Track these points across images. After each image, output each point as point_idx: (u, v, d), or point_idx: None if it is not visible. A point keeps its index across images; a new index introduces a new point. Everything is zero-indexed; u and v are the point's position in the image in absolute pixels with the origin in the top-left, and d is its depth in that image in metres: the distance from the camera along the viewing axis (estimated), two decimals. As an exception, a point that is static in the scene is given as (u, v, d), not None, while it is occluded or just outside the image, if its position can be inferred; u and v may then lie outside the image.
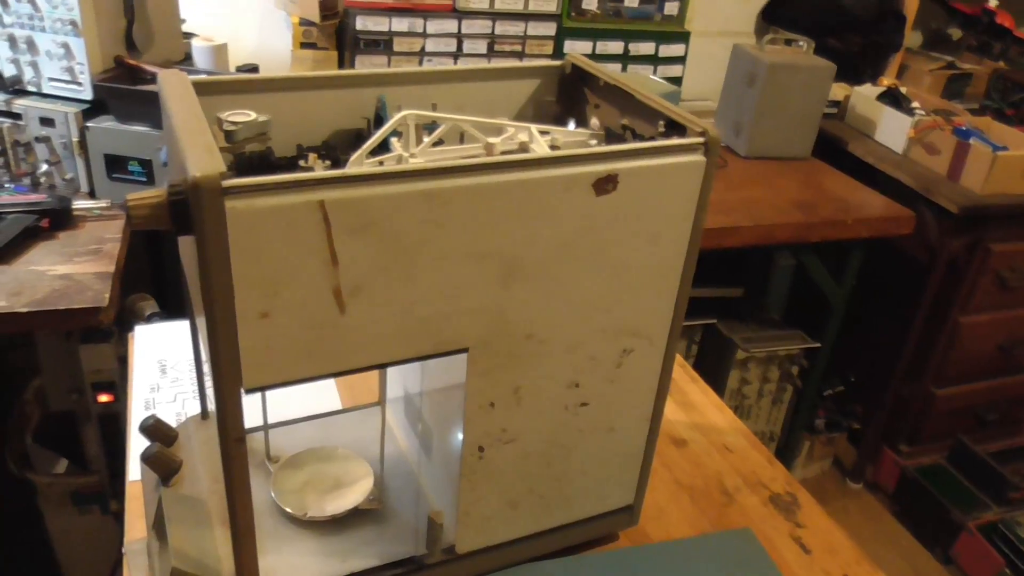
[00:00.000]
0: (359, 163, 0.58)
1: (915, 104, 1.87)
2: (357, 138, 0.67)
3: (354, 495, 0.71)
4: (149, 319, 1.19)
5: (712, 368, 1.72)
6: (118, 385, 1.20)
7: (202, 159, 0.45)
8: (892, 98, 1.91)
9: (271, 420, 0.78)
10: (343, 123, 0.67)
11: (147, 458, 0.69)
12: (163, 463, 0.70)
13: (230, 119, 0.55)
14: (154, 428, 0.72)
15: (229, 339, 0.49)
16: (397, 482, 0.74)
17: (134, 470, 0.80)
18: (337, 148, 0.65)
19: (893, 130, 1.85)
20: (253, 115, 0.56)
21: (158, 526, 0.65)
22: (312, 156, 0.59)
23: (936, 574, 1.80)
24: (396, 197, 0.49)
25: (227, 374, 0.50)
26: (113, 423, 1.21)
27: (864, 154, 1.85)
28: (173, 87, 0.57)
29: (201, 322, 0.53)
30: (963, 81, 2.08)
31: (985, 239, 1.68)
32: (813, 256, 1.66)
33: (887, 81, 2.05)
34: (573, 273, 0.58)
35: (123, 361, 1.19)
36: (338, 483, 0.73)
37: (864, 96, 1.98)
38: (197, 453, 0.72)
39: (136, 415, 0.87)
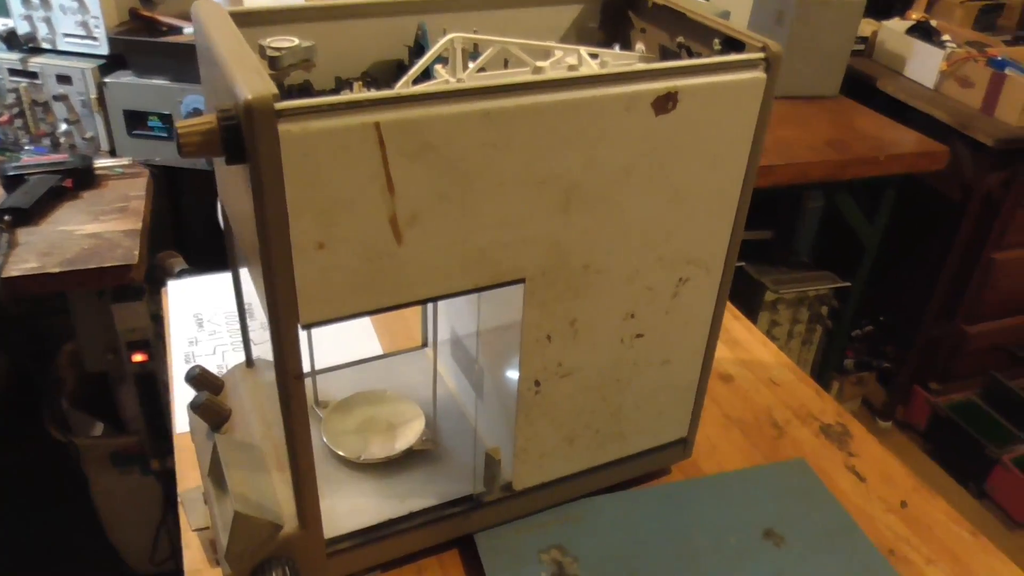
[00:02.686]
0: (405, 89, 0.56)
1: (946, 37, 1.82)
2: (398, 68, 0.64)
3: (407, 437, 0.70)
4: (179, 275, 1.18)
5: (741, 310, 1.70)
6: (152, 344, 1.19)
7: (253, 81, 0.43)
8: (922, 31, 1.85)
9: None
10: (382, 53, 0.64)
11: (196, 407, 0.68)
12: (213, 411, 0.69)
13: (272, 45, 0.53)
14: (200, 378, 0.71)
15: (285, 272, 0.48)
16: (448, 423, 0.73)
17: (181, 422, 0.80)
18: (377, 79, 0.63)
19: (924, 65, 1.79)
20: (296, 40, 0.54)
21: (214, 473, 0.64)
22: (357, 84, 0.57)
23: (971, 508, 1.79)
24: (453, 118, 0.47)
25: (283, 310, 0.49)
26: (149, 383, 1.21)
27: (895, 91, 1.80)
28: (210, 16, 0.54)
29: (253, 258, 0.51)
30: (995, 12, 2.02)
31: (1021, 173, 1.64)
32: (846, 195, 1.63)
33: (916, 15, 1.99)
34: (632, 199, 0.56)
35: (156, 319, 1.18)
36: (390, 425, 0.72)
37: (893, 31, 1.92)
38: (245, 400, 0.71)
39: (177, 370, 0.86)
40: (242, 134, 0.43)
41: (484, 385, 0.71)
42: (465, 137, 0.48)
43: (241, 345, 0.89)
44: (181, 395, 0.83)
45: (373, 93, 0.46)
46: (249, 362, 0.74)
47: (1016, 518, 1.75)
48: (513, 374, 0.62)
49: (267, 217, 0.45)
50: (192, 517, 0.66)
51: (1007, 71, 1.60)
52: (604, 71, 0.51)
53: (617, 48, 0.69)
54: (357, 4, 0.62)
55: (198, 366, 0.72)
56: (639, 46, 0.69)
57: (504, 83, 0.48)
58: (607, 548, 0.67)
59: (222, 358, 0.88)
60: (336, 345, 0.85)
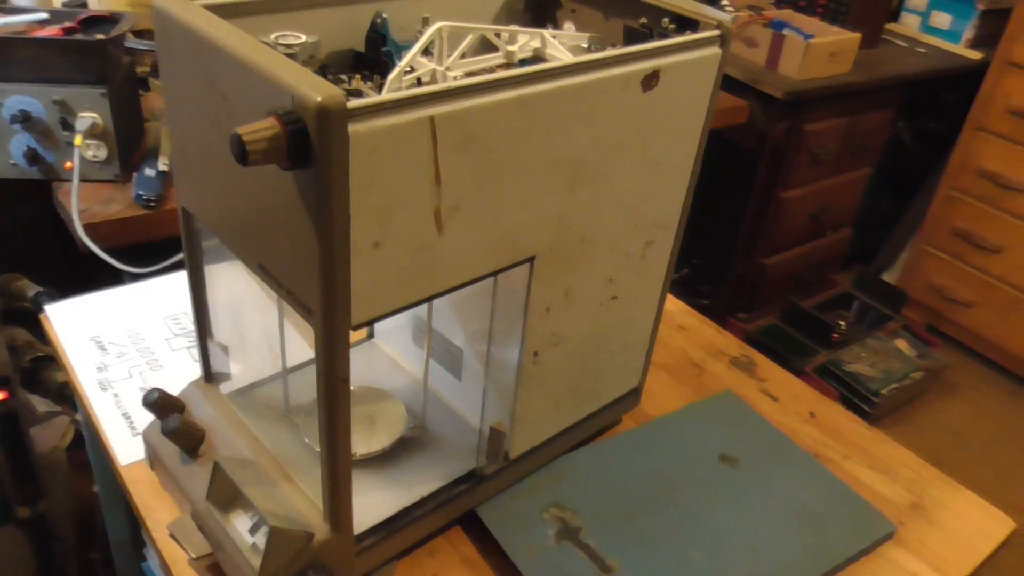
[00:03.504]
0: (398, 82, 0.56)
1: (725, 2, 2.02)
2: (355, 58, 0.64)
3: (393, 427, 0.71)
4: (37, 300, 1.05)
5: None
6: (11, 379, 1.06)
7: (317, 82, 0.42)
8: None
9: (256, 378, 0.75)
10: (337, 44, 0.63)
11: (171, 432, 0.64)
12: (188, 434, 0.65)
13: (283, 42, 0.51)
14: (161, 401, 0.67)
15: (343, 274, 0.47)
16: (426, 407, 0.74)
17: (123, 454, 0.74)
18: (335, 70, 0.62)
19: (707, 27, 1.98)
20: (303, 36, 0.52)
21: (216, 496, 0.61)
22: (356, 78, 0.56)
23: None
24: (495, 107, 0.49)
25: (338, 311, 0.48)
26: (10, 422, 1.08)
27: (686, 52, 1.98)
28: (188, 13, 0.51)
29: (286, 262, 0.50)
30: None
31: (801, 121, 1.88)
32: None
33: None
34: (621, 172, 0.61)
35: (14, 351, 1.05)
36: (370, 419, 0.72)
37: (674, -3, 2.10)
38: (216, 417, 0.67)
39: (95, 399, 0.79)
40: (309, 138, 0.42)
41: (461, 365, 0.73)
42: (503, 124, 0.50)
43: (159, 363, 0.84)
44: (111, 426, 0.76)
45: (428, 88, 0.46)
46: (208, 377, 0.70)
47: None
48: (503, 350, 0.65)
49: (332, 220, 0.45)
50: (190, 547, 0.62)
51: (785, 31, 1.82)
52: (609, 54, 0.55)
53: (551, 28, 0.72)
54: (314, -5, 0.60)
55: (156, 389, 0.67)
56: (568, 25, 0.73)
57: (535, 71, 0.50)
58: (597, 496, 0.72)
59: (141, 380, 0.82)
60: (273, 351, 0.82)
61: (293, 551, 0.57)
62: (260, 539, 0.59)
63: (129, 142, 1.13)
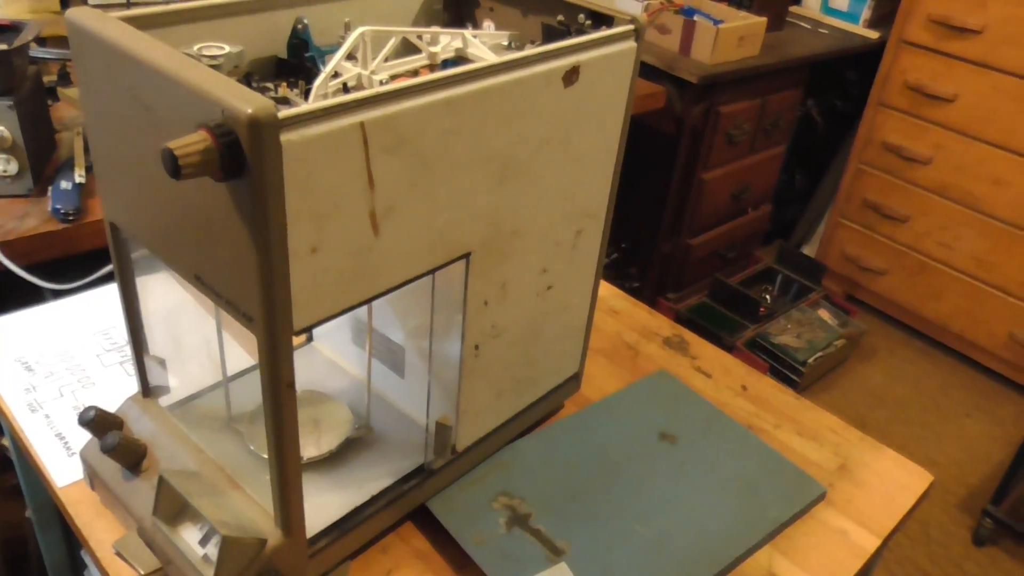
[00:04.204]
0: (324, 88, 0.56)
1: (636, -11, 2.06)
2: (278, 65, 0.64)
3: (339, 429, 0.71)
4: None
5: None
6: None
7: (246, 94, 0.43)
8: (614, -14, 2.08)
9: (196, 389, 0.74)
10: (258, 51, 0.63)
11: (110, 449, 0.63)
12: (129, 451, 0.64)
13: (206, 53, 0.51)
14: (98, 420, 0.66)
15: (282, 281, 0.47)
16: (370, 407, 0.75)
17: (59, 475, 0.72)
18: (259, 77, 0.62)
19: (622, 15, 2.02)
20: (226, 47, 0.52)
21: (164, 510, 0.61)
22: (282, 85, 0.56)
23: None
24: (423, 109, 0.50)
25: (280, 318, 0.48)
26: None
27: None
28: (102, 24, 0.50)
29: (220, 270, 0.50)
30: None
31: (716, 103, 1.94)
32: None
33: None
34: (548, 166, 0.62)
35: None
36: (315, 422, 0.72)
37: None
38: (156, 431, 0.67)
39: (24, 422, 0.77)
40: (242, 150, 0.43)
41: (404, 363, 0.74)
42: (431, 126, 0.51)
43: (91, 380, 0.82)
44: (44, 448, 0.74)
45: (357, 94, 0.47)
46: (146, 391, 0.69)
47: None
48: (444, 345, 0.66)
49: (269, 229, 0.45)
50: (138, 564, 0.61)
51: (696, 18, 1.87)
52: (531, 52, 0.56)
53: (470, 27, 0.73)
54: (233, 3, 0.60)
55: (92, 407, 0.66)
56: (487, 23, 0.74)
57: (461, 72, 0.52)
58: (543, 481, 0.74)
59: (74, 399, 0.80)
60: (212, 361, 0.81)
61: (246, 559, 0.57)
62: (211, 550, 0.59)
63: (40, 154, 1.09)
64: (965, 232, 2.18)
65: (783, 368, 2.06)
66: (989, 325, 2.20)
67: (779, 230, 2.69)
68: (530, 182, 0.62)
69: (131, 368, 0.84)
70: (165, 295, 0.69)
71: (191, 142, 0.42)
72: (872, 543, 0.73)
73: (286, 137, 0.44)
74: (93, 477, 0.68)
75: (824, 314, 2.22)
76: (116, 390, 0.82)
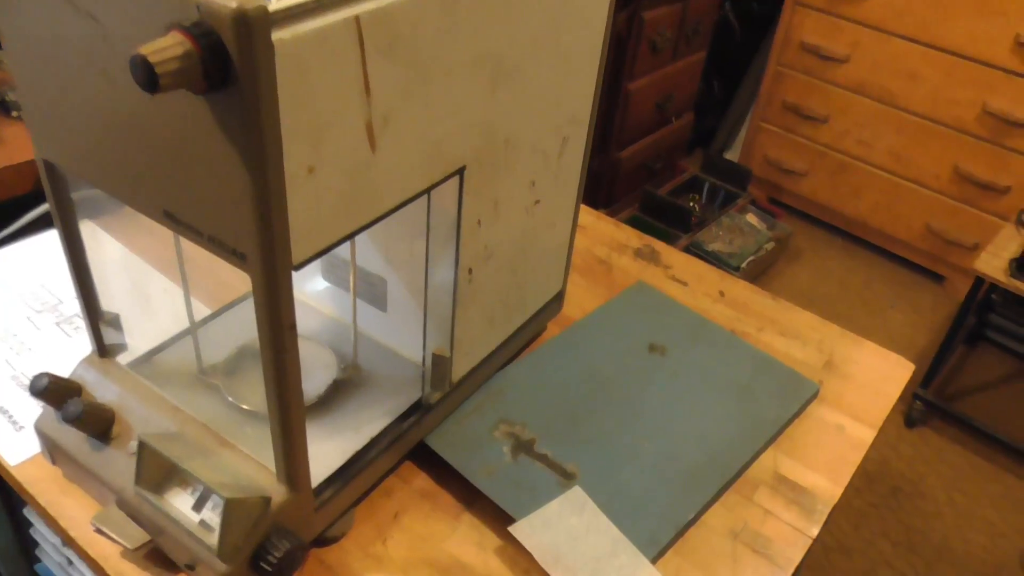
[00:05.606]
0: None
1: None
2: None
3: (326, 371, 0.66)
4: None
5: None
6: None
7: (226, -15, 0.36)
8: None
9: (156, 342, 0.67)
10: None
11: (76, 419, 0.57)
12: (95, 418, 0.58)
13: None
14: (53, 388, 0.59)
15: (279, 210, 0.42)
16: (348, 346, 0.69)
17: (11, 453, 0.65)
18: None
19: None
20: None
21: (147, 479, 0.55)
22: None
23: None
24: (418, 3, 0.44)
25: (279, 253, 0.43)
26: None
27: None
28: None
29: (193, 210, 0.44)
30: None
31: (639, 8, 1.89)
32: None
33: None
34: (538, 67, 0.57)
35: None
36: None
37: None
38: (122, 394, 0.60)
39: (-43, 395, 0.69)
40: (228, 54, 0.36)
41: (386, 296, 0.68)
42: (426, 23, 0.45)
43: (27, 347, 0.74)
44: (-12, 423, 0.67)
45: (350, -17, 0.40)
46: (102, 351, 0.62)
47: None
48: (435, 272, 0.61)
49: (264, 148, 0.39)
50: (124, 538, 0.56)
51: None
52: (523, -65, 0.50)
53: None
54: None
55: (45, 374, 0.59)
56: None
57: (457, -43, 0.45)
58: (541, 405, 0.71)
59: (11, 368, 0.72)
60: (170, 310, 0.74)
61: (251, 520, 0.52)
62: (208, 515, 0.53)
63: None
64: (882, 129, 2.23)
65: (718, 275, 2.09)
66: (907, 218, 2.28)
67: (701, 138, 2.69)
68: (521, 86, 0.56)
69: (70, 328, 0.76)
70: (110, 242, 0.61)
71: (166, 46, 0.35)
72: (868, 435, 0.74)
73: (278, 35, 0.37)
74: (54, 451, 0.61)
75: (752, 218, 2.25)
76: (58, 354, 0.74)
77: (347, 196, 0.46)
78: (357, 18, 0.41)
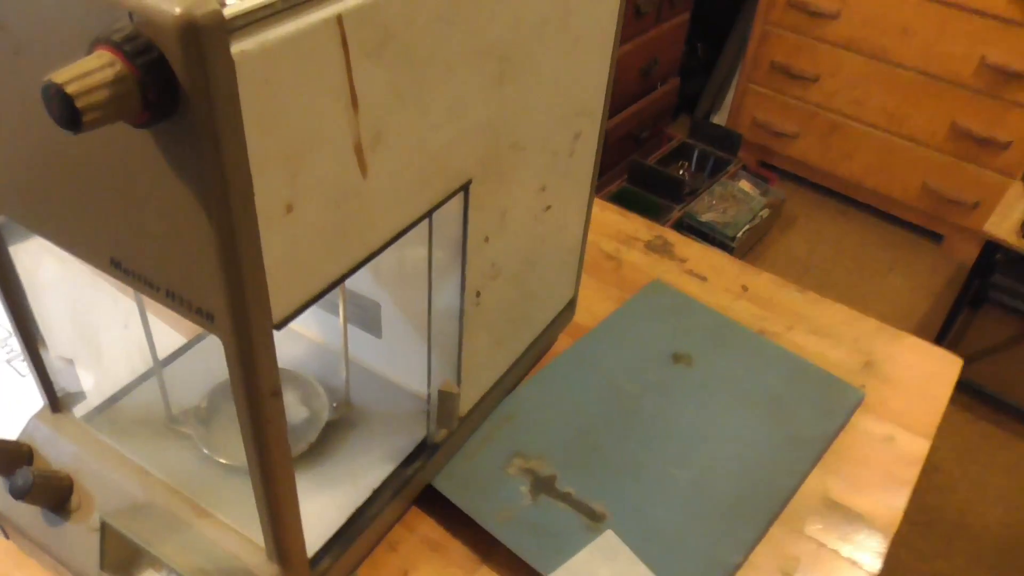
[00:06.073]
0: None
1: None
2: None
3: (315, 411, 0.58)
4: None
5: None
6: None
7: (166, -16, 0.27)
8: None
9: (114, 388, 0.59)
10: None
11: (24, 493, 0.48)
12: (49, 489, 0.49)
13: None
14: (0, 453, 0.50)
15: (253, 261, 0.33)
16: (338, 380, 0.61)
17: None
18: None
19: None
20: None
21: (114, 563, 0.47)
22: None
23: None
24: (414, -11, 0.35)
25: (254, 312, 0.34)
26: None
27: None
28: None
29: (146, 260, 0.35)
30: None
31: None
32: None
33: None
34: (546, 54, 0.49)
35: None
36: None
37: None
38: (75, 456, 0.52)
39: None
40: (172, 72, 0.27)
41: (380, 321, 0.60)
42: (422, 15, 0.36)
43: None
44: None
45: (326, -29, 0.31)
46: (54, 404, 0.53)
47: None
48: (438, 297, 0.53)
49: (227, 186, 0.30)
50: (90, 630, 0.48)
51: None
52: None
53: None
54: None
55: (-15, 439, 0.50)
56: None
57: (457, -70, 0.36)
58: (557, 432, 0.64)
59: (-47, 418, 0.63)
60: (130, 347, 0.65)
61: (239, 610, 0.44)
62: (188, 603, 0.45)
63: None
64: (875, 86, 2.15)
65: (714, 246, 2.02)
66: (902, 177, 2.21)
67: (685, 104, 2.60)
68: (529, 78, 0.48)
69: (22, 367, 0.67)
70: (48, 265, 0.52)
71: (89, 69, 0.26)
72: (922, 446, 0.67)
73: (239, 47, 0.28)
74: (4, 525, 0.53)
75: (745, 185, 2.18)
76: (12, 398, 0.65)
77: (335, 233, 0.37)
78: (339, 17, 0.32)
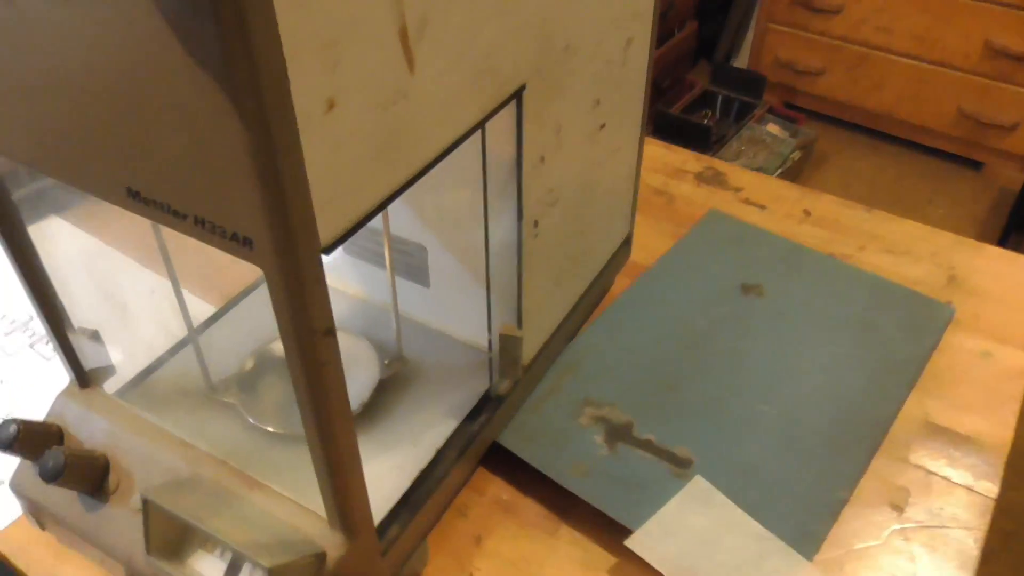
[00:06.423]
0: None
1: None
2: None
3: (366, 371, 0.53)
4: None
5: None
6: None
7: None
8: None
9: (148, 360, 0.54)
10: None
11: (56, 476, 0.43)
12: (83, 471, 0.45)
13: None
14: (25, 436, 0.45)
15: (294, 167, 0.28)
16: (387, 333, 0.56)
17: (-10, 515, 0.52)
18: None
19: None
20: None
21: (161, 544, 0.42)
22: None
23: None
24: None
25: (298, 230, 0.29)
26: None
27: None
28: None
29: (169, 185, 0.30)
30: None
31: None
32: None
33: None
34: (602, -65, 0.43)
35: None
36: (327, 369, 0.53)
37: None
38: (110, 433, 0.47)
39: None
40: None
41: (428, 268, 0.55)
42: None
43: (7, 375, 0.61)
44: (-42, 484, 0.54)
45: None
46: (82, 380, 0.49)
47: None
48: (493, 229, 0.48)
49: (257, 75, 0.25)
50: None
51: None
52: None
53: None
54: None
55: (12, 421, 0.46)
56: None
57: None
58: (626, 377, 0.58)
59: (-22, 409, 0.59)
60: (161, 317, 0.60)
61: (305, 586, 0.40)
62: (247, 582, 0.41)
63: None
64: (902, 10, 2.05)
65: (746, 192, 1.95)
66: (936, 104, 2.12)
67: (703, 49, 2.51)
68: (583, -34, 0.42)
69: (48, 349, 0.63)
70: (68, 241, 0.48)
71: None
72: (1022, 359, 0.61)
73: None
74: (39, 515, 0.48)
75: (773, 128, 2.10)
76: (38, 383, 0.61)
77: (384, 139, 0.32)
78: None
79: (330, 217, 0.30)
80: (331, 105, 0.28)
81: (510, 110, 0.41)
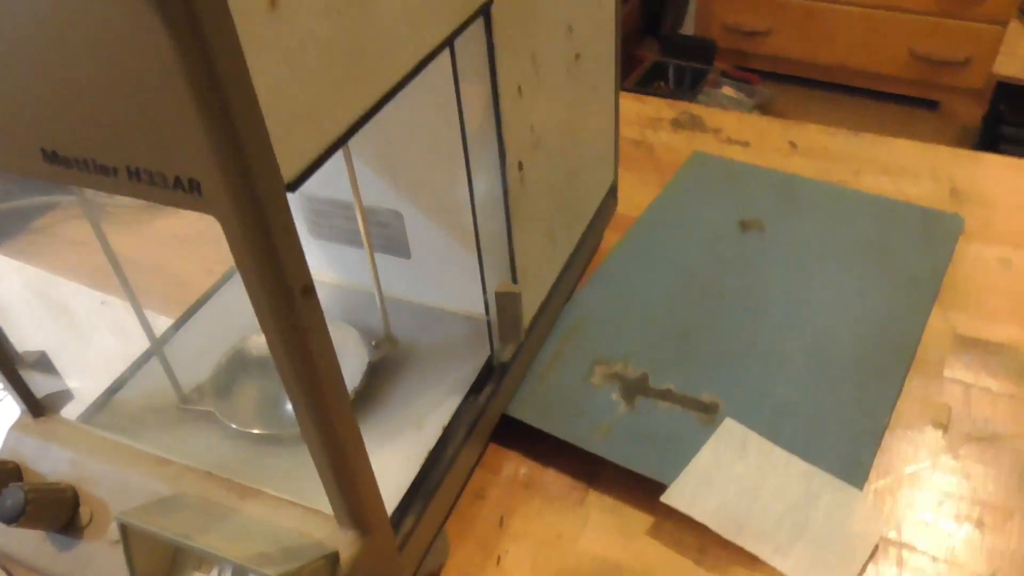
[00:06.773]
0: None
1: None
2: None
3: (355, 355, 0.48)
4: None
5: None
6: None
7: None
8: None
9: (101, 386, 0.49)
10: None
11: (17, 517, 0.38)
12: (51, 505, 0.39)
13: None
14: (-23, 472, 0.40)
15: (237, 75, 0.23)
16: (375, 318, 0.51)
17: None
18: None
19: None
20: None
21: (147, 571, 0.37)
22: None
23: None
24: None
25: (255, 159, 0.24)
26: None
27: None
28: None
29: (90, 134, 0.25)
30: None
31: None
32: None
33: None
34: None
35: None
36: (310, 361, 0.48)
37: None
38: (75, 462, 0.42)
39: None
40: None
41: (405, 233, 0.50)
42: None
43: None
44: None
45: None
46: (34, 409, 0.43)
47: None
48: (474, 179, 0.43)
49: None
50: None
51: None
52: None
53: None
54: None
55: (-40, 460, 0.40)
56: None
57: None
58: (634, 330, 0.54)
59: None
60: (112, 341, 0.55)
61: (317, 593, 0.35)
62: (249, 600, 0.36)
63: None
64: (842, -40, 2.04)
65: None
66: (887, 49, 2.11)
67: (648, 27, 2.49)
68: None
69: (-2, 387, 0.57)
70: (3, 270, 0.43)
71: None
72: (1047, 260, 0.58)
73: None
74: (5, 564, 0.43)
75: (729, 91, 2.08)
76: (-11, 424, 0.55)
77: (343, 52, 0.27)
78: None
79: (291, 144, 0.26)
80: (273, 2, 0.24)
81: (480, 34, 0.37)
